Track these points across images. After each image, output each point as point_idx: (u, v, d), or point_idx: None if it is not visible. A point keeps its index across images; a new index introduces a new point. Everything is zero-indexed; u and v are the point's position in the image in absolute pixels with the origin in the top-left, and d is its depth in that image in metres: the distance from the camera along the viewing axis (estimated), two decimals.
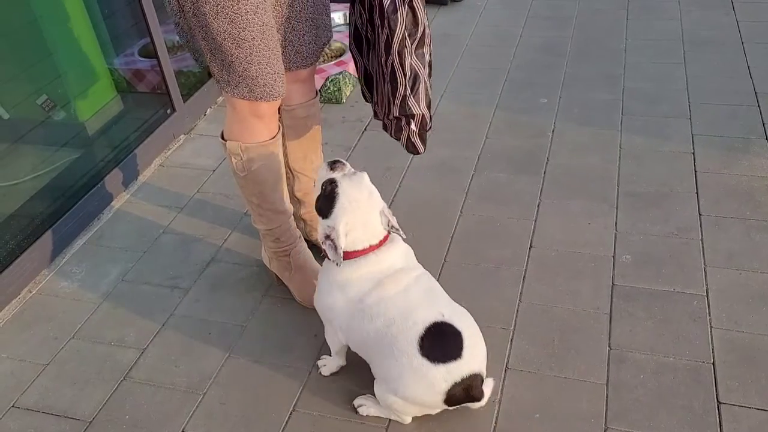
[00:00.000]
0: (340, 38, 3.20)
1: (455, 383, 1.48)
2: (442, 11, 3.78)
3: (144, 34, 2.70)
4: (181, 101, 2.83)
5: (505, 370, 1.75)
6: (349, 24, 1.81)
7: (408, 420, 1.63)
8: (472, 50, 3.34)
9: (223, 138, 1.81)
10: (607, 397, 1.67)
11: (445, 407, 1.57)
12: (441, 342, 1.49)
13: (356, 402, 1.68)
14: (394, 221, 1.57)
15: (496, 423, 1.63)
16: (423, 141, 1.74)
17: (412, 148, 1.74)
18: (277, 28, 1.67)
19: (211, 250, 2.25)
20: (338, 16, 3.40)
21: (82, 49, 2.65)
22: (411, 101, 1.64)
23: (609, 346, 1.79)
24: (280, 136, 1.80)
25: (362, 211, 1.52)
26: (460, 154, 2.57)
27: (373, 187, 1.56)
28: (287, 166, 1.98)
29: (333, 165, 1.57)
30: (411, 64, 1.62)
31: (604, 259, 2.06)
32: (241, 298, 2.05)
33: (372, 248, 1.55)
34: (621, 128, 2.66)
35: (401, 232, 1.58)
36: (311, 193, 2.06)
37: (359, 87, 2.00)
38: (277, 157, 1.81)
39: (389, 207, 2.34)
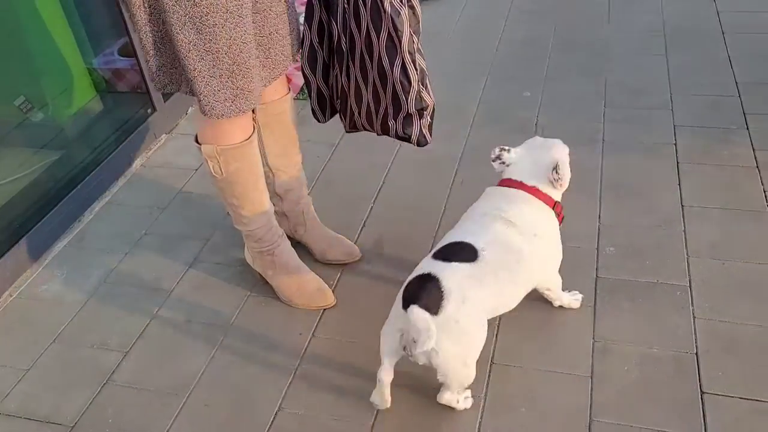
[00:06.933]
0: None
1: (410, 280, 1.54)
2: (424, 6, 3.72)
3: (123, 33, 2.67)
4: (161, 100, 2.81)
5: (491, 364, 1.75)
6: (302, 44, 1.80)
7: (385, 365, 1.52)
8: (455, 45, 3.33)
9: (197, 141, 1.78)
10: (591, 389, 1.67)
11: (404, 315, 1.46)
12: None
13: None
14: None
15: (481, 417, 1.63)
16: (431, 131, 1.80)
17: (423, 140, 1.79)
18: (258, 40, 1.64)
19: (194, 250, 2.23)
20: None
21: (60, 49, 2.61)
22: (424, 94, 1.73)
23: (593, 338, 1.79)
24: (255, 135, 1.78)
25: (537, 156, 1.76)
26: (444, 149, 2.57)
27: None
28: (266, 164, 1.95)
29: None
30: (417, 59, 1.70)
31: (587, 252, 2.06)
32: (224, 298, 2.03)
33: (513, 184, 1.72)
34: (603, 120, 2.66)
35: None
36: (293, 189, 2.05)
37: None
38: (255, 156, 1.79)
39: (374, 201, 2.34)
